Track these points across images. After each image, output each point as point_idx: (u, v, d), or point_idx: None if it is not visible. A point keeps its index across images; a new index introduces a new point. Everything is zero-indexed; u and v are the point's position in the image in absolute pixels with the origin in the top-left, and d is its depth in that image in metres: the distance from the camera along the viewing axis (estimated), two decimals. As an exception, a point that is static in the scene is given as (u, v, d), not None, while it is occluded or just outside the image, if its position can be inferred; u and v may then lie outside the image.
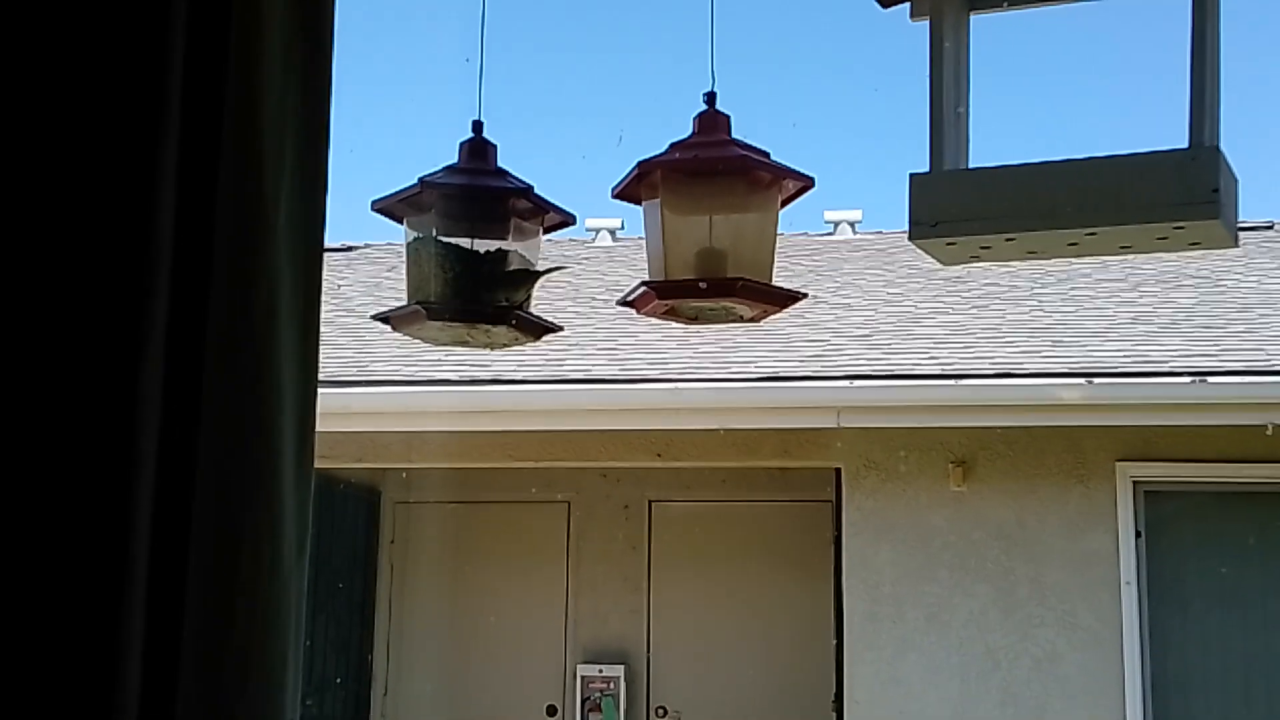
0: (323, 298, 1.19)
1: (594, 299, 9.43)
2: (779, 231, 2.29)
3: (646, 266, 2.23)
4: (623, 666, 9.96)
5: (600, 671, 9.95)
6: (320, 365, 1.19)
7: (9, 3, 0.99)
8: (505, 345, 2.37)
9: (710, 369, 8.10)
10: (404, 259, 2.33)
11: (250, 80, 1.09)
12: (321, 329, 1.19)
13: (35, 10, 1.00)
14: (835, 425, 7.82)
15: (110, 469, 0.98)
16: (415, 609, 10.49)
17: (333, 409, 7.01)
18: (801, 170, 2.22)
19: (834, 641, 8.46)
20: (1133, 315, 8.77)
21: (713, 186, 2.26)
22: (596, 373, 8.21)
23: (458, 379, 8.15)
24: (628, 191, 2.27)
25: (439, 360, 8.19)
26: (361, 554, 10.37)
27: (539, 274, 2.30)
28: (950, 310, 9.22)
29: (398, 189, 2.27)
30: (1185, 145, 1.70)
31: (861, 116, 24.20)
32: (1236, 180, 1.74)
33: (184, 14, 1.04)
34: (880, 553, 8.06)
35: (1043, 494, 7.90)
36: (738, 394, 7.90)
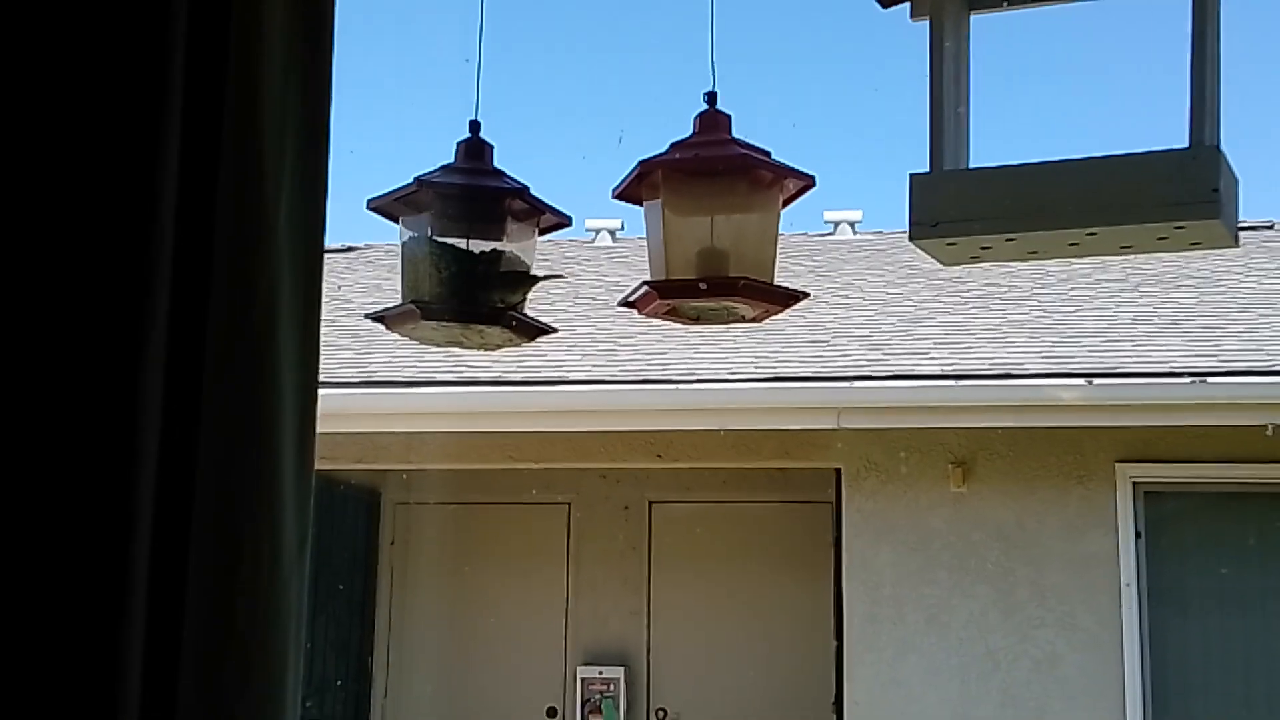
0: (323, 299, 1.19)
1: (594, 300, 9.43)
2: (780, 232, 2.29)
3: (648, 267, 2.23)
4: (623, 668, 9.96)
5: (600, 673, 9.95)
6: (321, 366, 1.19)
7: (10, 5, 0.99)
8: (499, 346, 2.37)
9: (710, 370, 8.10)
10: (399, 258, 2.33)
11: (250, 81, 1.09)
12: (322, 330, 1.19)
13: (36, 11, 1.00)
14: (835, 426, 7.82)
15: (111, 470, 0.98)
16: (415, 610, 10.49)
17: (333, 410, 7.01)
18: (802, 169, 2.21)
19: (834, 643, 8.46)
20: (1133, 315, 8.77)
21: (714, 186, 2.26)
22: (597, 374, 8.21)
23: (458, 380, 8.15)
24: (628, 192, 2.27)
25: (439, 361, 8.19)
26: (362, 555, 10.37)
27: (536, 278, 2.30)
28: (950, 311, 9.22)
29: (394, 188, 2.27)
30: (1186, 145, 1.70)
31: (861, 117, 24.21)
32: (1237, 180, 1.74)
33: (184, 15, 1.04)
34: (880, 554, 8.06)
35: (1043, 495, 7.90)
36: (738, 395, 7.90)
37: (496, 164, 2.30)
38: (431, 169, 2.27)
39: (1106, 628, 7.72)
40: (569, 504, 10.28)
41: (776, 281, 2.24)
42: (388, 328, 2.31)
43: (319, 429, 1.18)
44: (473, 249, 2.27)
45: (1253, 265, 9.70)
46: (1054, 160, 1.77)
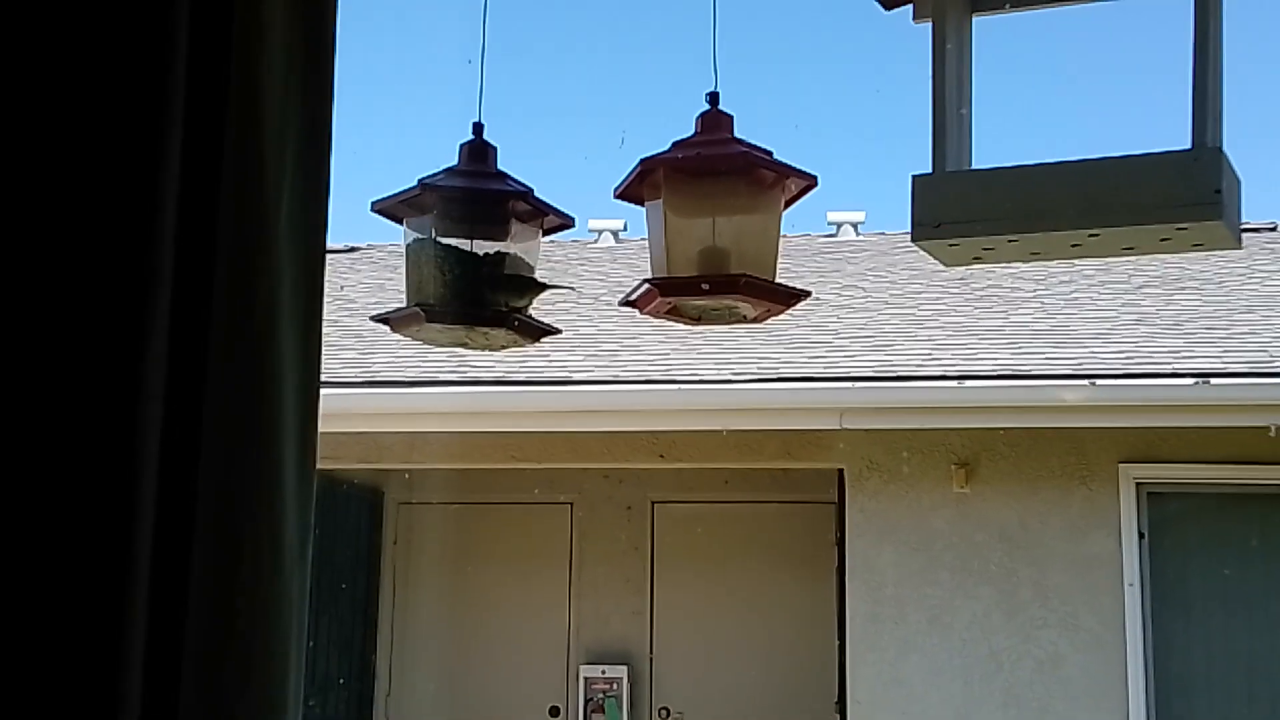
0: (325, 298, 1.19)
1: (597, 300, 9.43)
2: (781, 233, 2.29)
3: (649, 267, 2.23)
4: (625, 667, 9.96)
5: (603, 672, 9.95)
6: (323, 366, 1.19)
7: (12, 6, 1.00)
8: (504, 347, 2.38)
9: (713, 370, 8.10)
10: (404, 260, 2.33)
11: (252, 81, 1.09)
12: (324, 330, 1.19)
13: (38, 11, 1.00)
14: (838, 426, 7.82)
15: (112, 470, 0.98)
16: (418, 609, 10.49)
17: (336, 410, 7.02)
18: (805, 170, 2.21)
19: (836, 643, 8.46)
20: (1136, 317, 8.76)
21: (716, 186, 2.26)
22: (599, 374, 8.21)
23: (460, 380, 8.16)
24: (630, 191, 2.27)
25: (442, 361, 8.20)
26: (364, 555, 10.38)
27: (544, 286, 2.30)
28: (953, 312, 9.22)
29: (398, 190, 2.28)
30: (1188, 146, 1.70)
31: (864, 118, 24.20)
32: (1239, 181, 1.74)
33: (185, 15, 1.04)
34: (883, 554, 8.06)
35: (1045, 496, 7.90)
36: (740, 395, 7.90)
37: (499, 165, 2.31)
38: (435, 171, 2.28)
39: (1109, 628, 7.71)
40: (571, 504, 10.28)
41: (778, 281, 2.24)
42: (393, 330, 2.32)
43: (321, 428, 1.18)
44: (477, 251, 2.27)
45: (1255, 267, 9.69)
46: (1056, 161, 1.77)
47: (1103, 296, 9.30)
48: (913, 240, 1.83)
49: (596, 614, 10.21)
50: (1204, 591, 7.85)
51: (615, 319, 8.83)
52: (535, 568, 10.31)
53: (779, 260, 2.26)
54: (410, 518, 10.62)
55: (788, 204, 2.27)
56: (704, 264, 2.20)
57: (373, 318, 2.42)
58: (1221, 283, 9.38)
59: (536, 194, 2.28)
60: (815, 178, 2.22)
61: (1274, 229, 10.84)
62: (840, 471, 8.31)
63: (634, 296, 2.23)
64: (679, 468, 9.02)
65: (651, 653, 10.09)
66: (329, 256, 1.21)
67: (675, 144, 2.23)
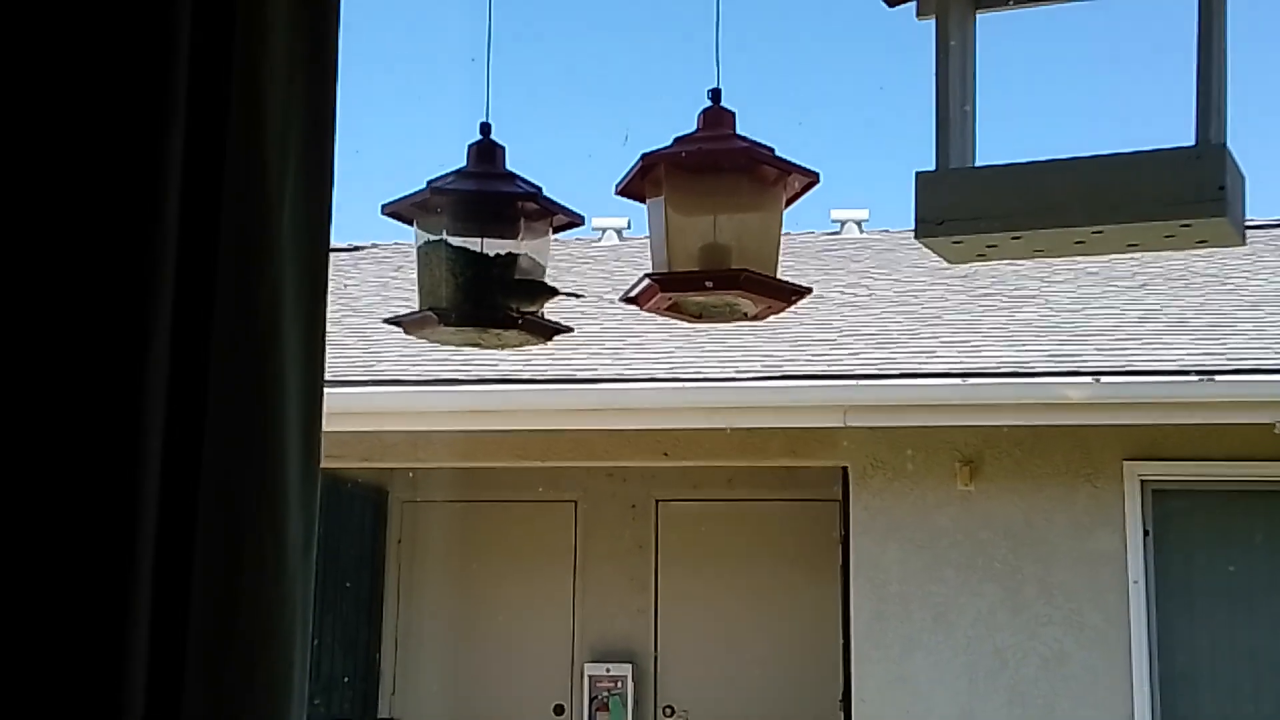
0: (329, 297, 1.19)
1: (600, 298, 9.43)
2: (784, 230, 2.29)
3: (650, 263, 2.23)
4: (630, 666, 9.96)
5: (608, 671, 9.95)
6: (327, 365, 1.19)
7: (13, 6, 1.00)
8: (516, 346, 2.39)
9: (717, 368, 8.10)
10: (414, 261, 2.33)
11: (255, 81, 1.09)
12: (328, 328, 1.19)
13: (40, 11, 1.00)
14: (842, 424, 7.81)
15: (115, 469, 0.98)
16: (423, 608, 10.50)
17: (339, 409, 7.01)
18: (807, 166, 2.21)
19: (841, 641, 8.46)
20: (1140, 314, 8.76)
21: (717, 182, 2.26)
22: (603, 372, 8.21)
23: (464, 379, 8.16)
24: (631, 187, 2.27)
25: (445, 360, 8.20)
26: (369, 553, 10.38)
27: (555, 291, 2.31)
28: (957, 309, 9.21)
29: (408, 192, 2.28)
30: (1192, 143, 1.70)
31: (868, 115, 24.19)
32: (1244, 178, 1.74)
33: (188, 15, 1.04)
34: (887, 552, 8.06)
35: (1050, 493, 7.89)
36: (744, 393, 7.90)
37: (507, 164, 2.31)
38: (444, 172, 2.28)
39: (1114, 625, 7.71)
40: (576, 502, 10.29)
41: (779, 277, 2.24)
42: (406, 332, 2.33)
43: (325, 427, 1.18)
44: (487, 252, 2.27)
45: (1260, 263, 9.68)
46: (1060, 158, 1.77)
47: (1107, 293, 9.29)
48: (916, 237, 1.83)
49: (601, 612, 10.21)
50: (1209, 588, 7.84)
51: (619, 317, 8.83)
52: (539, 566, 10.32)
53: (780, 257, 2.26)
54: (414, 516, 10.62)
55: (789, 201, 2.26)
56: (705, 260, 2.20)
57: (386, 320, 2.43)
58: (1226, 279, 9.37)
59: (545, 193, 2.28)
60: (817, 175, 2.22)
61: (1278, 225, 10.83)
62: (844, 469, 8.31)
63: (634, 292, 2.23)
64: (683, 466, 9.02)
65: (656, 651, 10.09)
66: (332, 255, 1.21)
67: (677, 140, 2.23)
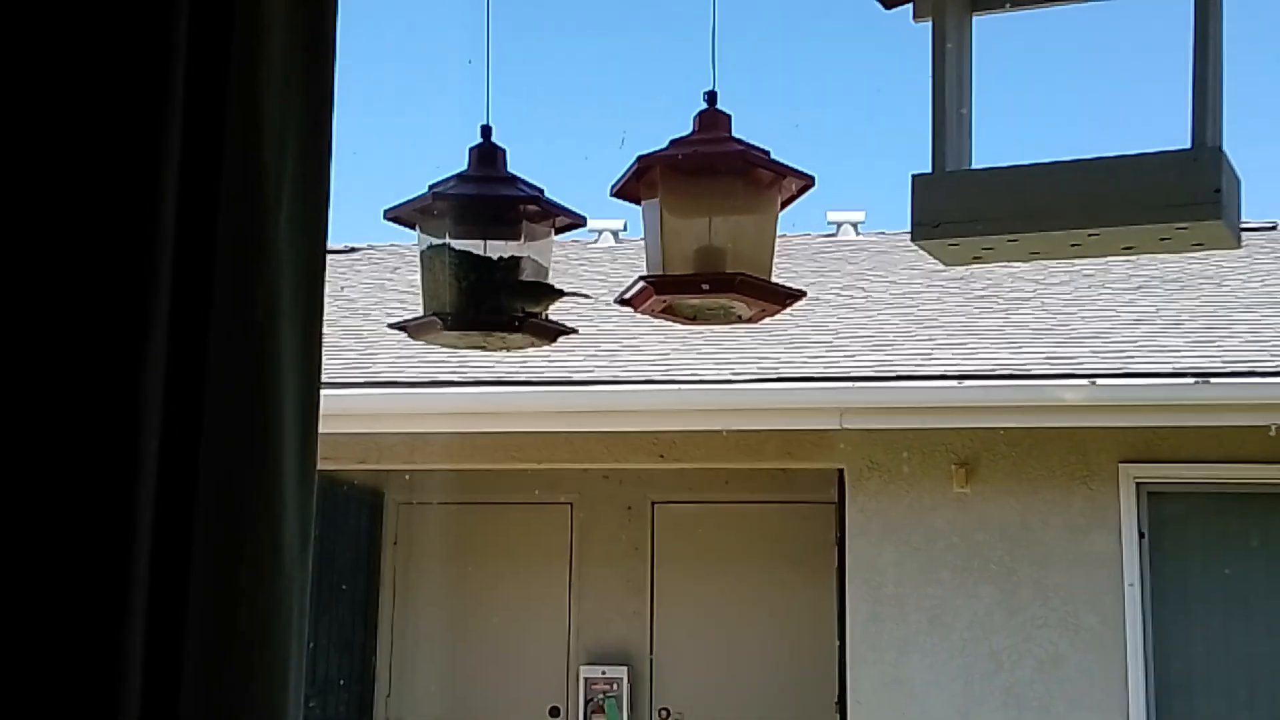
0: (326, 299, 1.19)
1: (597, 300, 9.43)
2: (780, 232, 2.29)
3: (645, 265, 2.23)
4: (626, 668, 9.96)
5: (603, 673, 9.95)
6: (323, 366, 1.19)
7: (12, 6, 1.00)
8: (521, 348, 2.40)
9: (713, 370, 8.10)
10: (411, 264, 2.34)
11: (252, 81, 1.09)
12: (324, 330, 1.19)
13: (37, 11, 1.00)
14: (838, 426, 7.82)
15: (112, 471, 0.98)
16: (418, 610, 10.49)
17: (336, 410, 7.01)
18: (802, 169, 2.21)
19: (837, 643, 8.46)
20: (1135, 316, 8.76)
21: (713, 185, 2.26)
22: (599, 374, 8.21)
23: (460, 380, 8.16)
24: (627, 189, 2.27)
25: (442, 362, 8.20)
26: (364, 555, 10.38)
27: (560, 293, 2.31)
28: (953, 311, 9.22)
29: (409, 197, 2.28)
30: (1188, 146, 1.70)
31: (864, 117, 24.21)
32: (1239, 180, 1.74)
33: (185, 15, 1.04)
34: (883, 554, 8.06)
35: (1046, 495, 7.90)
36: (740, 395, 7.90)
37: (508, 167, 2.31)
38: (445, 177, 2.28)
39: (1110, 628, 7.71)
40: (571, 504, 10.28)
41: (775, 281, 2.24)
42: (411, 336, 2.33)
43: (322, 429, 1.18)
44: (490, 255, 2.28)
45: (1255, 266, 9.69)
46: (1056, 161, 1.77)
47: (1102, 296, 9.30)
48: (912, 240, 1.83)
49: (597, 614, 10.21)
50: (1204, 591, 7.84)
51: (615, 319, 8.83)
52: (535, 568, 10.31)
53: (775, 260, 2.26)
54: (410, 518, 10.62)
55: (785, 204, 2.27)
56: (700, 263, 2.20)
57: (391, 325, 2.44)
58: (1221, 282, 9.38)
59: (546, 195, 2.28)
60: (812, 178, 2.22)
61: (1274, 228, 10.84)
62: (840, 471, 8.31)
63: (629, 294, 2.23)
64: (679, 468, 9.02)
65: (651, 653, 10.09)
66: (329, 257, 1.21)
67: (672, 142, 2.23)
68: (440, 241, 2.28)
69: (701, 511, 10.12)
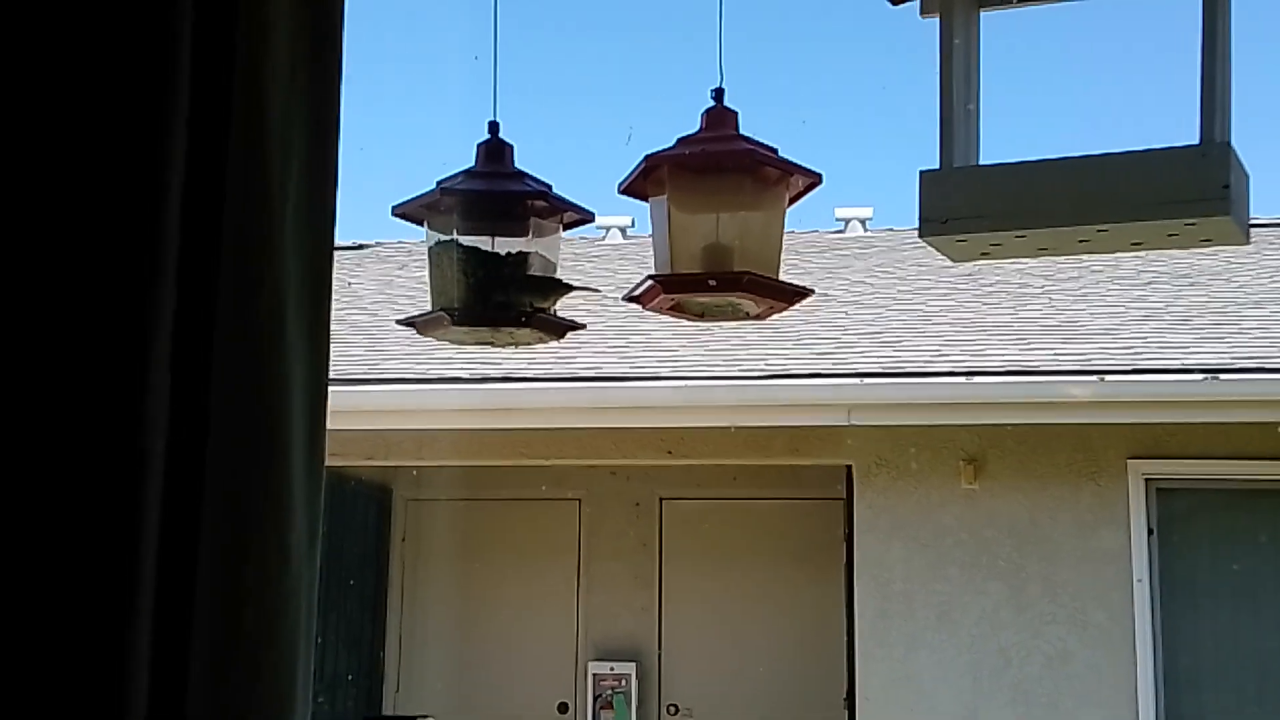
0: (334, 295, 1.18)
1: (604, 297, 9.43)
2: (787, 229, 2.29)
3: (653, 262, 2.23)
4: (634, 664, 9.96)
5: (612, 669, 9.95)
6: (331, 363, 1.19)
7: (15, 1, 1.00)
8: (529, 344, 2.39)
9: (721, 367, 8.10)
10: (419, 260, 2.34)
11: (257, 77, 1.09)
12: (333, 327, 1.19)
13: (41, 6, 1.00)
14: (846, 423, 7.81)
15: (117, 469, 0.98)
16: (427, 606, 10.50)
17: (344, 407, 7.01)
18: (810, 167, 2.21)
19: (845, 639, 8.46)
20: (1144, 312, 8.75)
21: (720, 182, 2.26)
22: (607, 371, 8.21)
23: (469, 377, 8.16)
24: (634, 187, 2.27)
25: (450, 358, 8.20)
26: (373, 551, 10.39)
27: (569, 287, 2.31)
28: (961, 307, 9.21)
29: (417, 193, 2.28)
30: (1196, 141, 1.69)
31: (872, 113, 24.19)
32: (1248, 176, 1.74)
33: (190, 9, 1.04)
34: (891, 550, 8.05)
35: (1054, 491, 7.89)
36: (749, 392, 7.90)
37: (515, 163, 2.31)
38: (452, 173, 2.28)
39: (1118, 624, 7.71)
40: (580, 500, 10.29)
41: (783, 278, 2.24)
42: (419, 333, 2.33)
43: (330, 425, 1.18)
44: (499, 251, 2.28)
45: (1264, 262, 9.67)
46: (1064, 157, 1.77)
47: (1111, 292, 9.29)
48: (920, 236, 1.83)
49: (605, 610, 10.21)
50: (1213, 587, 7.84)
51: (623, 315, 8.83)
52: (543, 564, 10.32)
53: (783, 256, 2.26)
54: (418, 514, 10.63)
55: (792, 201, 2.26)
56: (707, 261, 2.20)
57: (399, 321, 2.43)
58: (1230, 278, 9.36)
59: (554, 190, 2.28)
60: (820, 175, 2.22)
61: (1283, 224, 10.81)
62: (849, 468, 8.31)
63: (638, 292, 2.23)
64: (687, 464, 9.02)
65: (660, 649, 10.09)
66: (337, 254, 1.21)
67: (680, 140, 2.23)
68: (448, 237, 2.28)
69: (710, 508, 10.12)
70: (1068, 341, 8.23)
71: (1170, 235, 1.77)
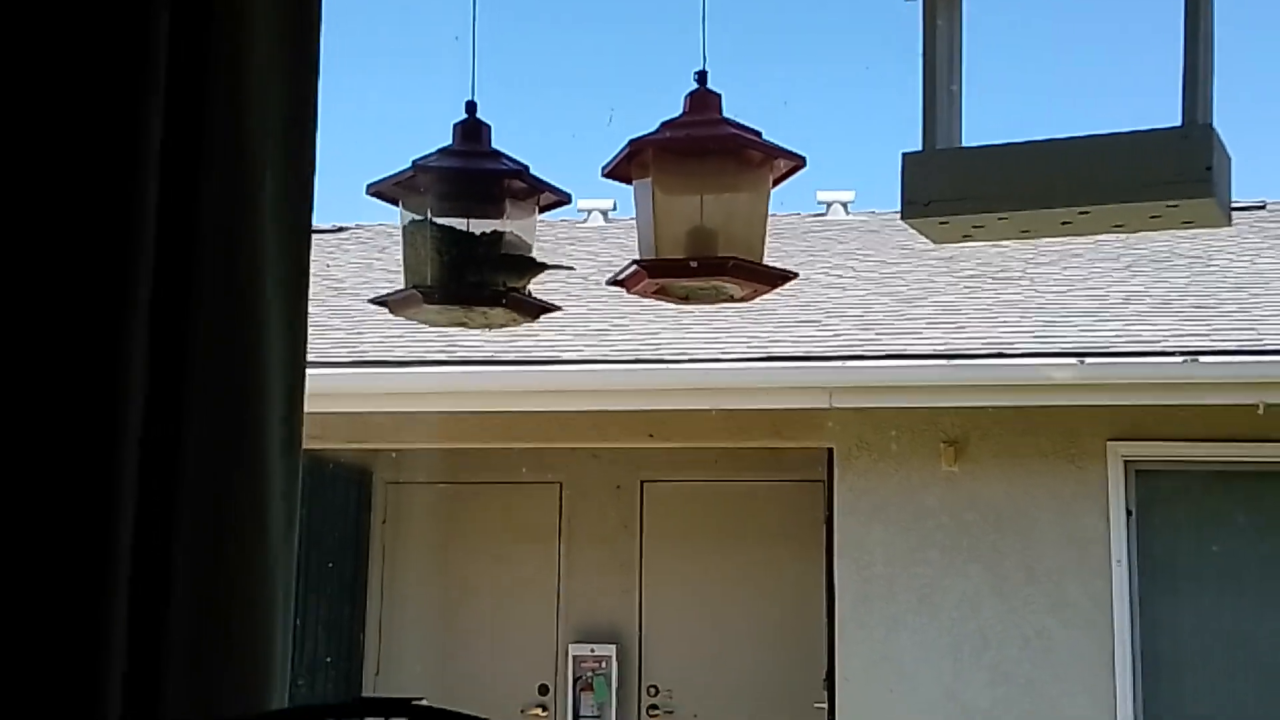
0: (312, 278, 1.18)
1: (586, 280, 9.42)
2: (770, 212, 2.28)
3: (637, 246, 2.23)
4: (614, 646, 9.97)
5: (592, 651, 9.96)
6: (309, 345, 1.19)
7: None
8: (503, 325, 2.37)
9: (702, 349, 8.10)
10: (400, 242, 2.32)
11: (235, 59, 1.08)
12: (311, 309, 1.19)
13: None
14: (827, 405, 7.82)
15: (94, 449, 0.97)
16: (407, 589, 10.50)
17: (323, 390, 7.00)
18: (793, 150, 2.20)
19: (826, 621, 8.48)
20: (1125, 295, 8.77)
21: (704, 166, 2.25)
22: (588, 353, 8.20)
23: (449, 360, 8.14)
24: (618, 170, 2.26)
25: (430, 341, 8.18)
26: (352, 534, 10.37)
27: (543, 266, 2.29)
28: (942, 290, 9.22)
29: (393, 172, 2.26)
30: (1179, 123, 1.69)
31: (854, 95, 24.19)
32: (1229, 158, 1.73)
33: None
34: (872, 533, 8.07)
35: (1034, 474, 7.91)
36: (730, 374, 7.90)
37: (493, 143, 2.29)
38: (429, 151, 2.26)
39: (1098, 606, 7.74)
40: (561, 483, 10.28)
41: (766, 261, 2.24)
42: (391, 311, 2.31)
43: (309, 408, 1.17)
44: (473, 230, 2.26)
45: (1245, 245, 9.70)
46: (1046, 139, 1.76)
47: (1092, 274, 9.31)
48: (902, 218, 1.83)
49: (585, 593, 10.22)
50: (1192, 569, 7.87)
51: (604, 298, 8.82)
52: (524, 547, 10.32)
53: (767, 240, 2.26)
54: (399, 497, 10.61)
55: (776, 184, 2.26)
56: (692, 244, 2.19)
57: (371, 300, 2.41)
58: (1211, 261, 9.39)
59: (531, 171, 2.26)
60: (803, 158, 2.21)
61: (1264, 207, 10.85)
62: (830, 450, 8.32)
63: (621, 277, 2.22)
64: (668, 447, 9.02)
65: (640, 631, 10.10)
66: (316, 237, 1.20)
67: (664, 124, 2.22)
68: (422, 216, 2.27)
69: (691, 490, 10.12)
70: (1048, 324, 8.25)
71: (1152, 217, 1.77)
